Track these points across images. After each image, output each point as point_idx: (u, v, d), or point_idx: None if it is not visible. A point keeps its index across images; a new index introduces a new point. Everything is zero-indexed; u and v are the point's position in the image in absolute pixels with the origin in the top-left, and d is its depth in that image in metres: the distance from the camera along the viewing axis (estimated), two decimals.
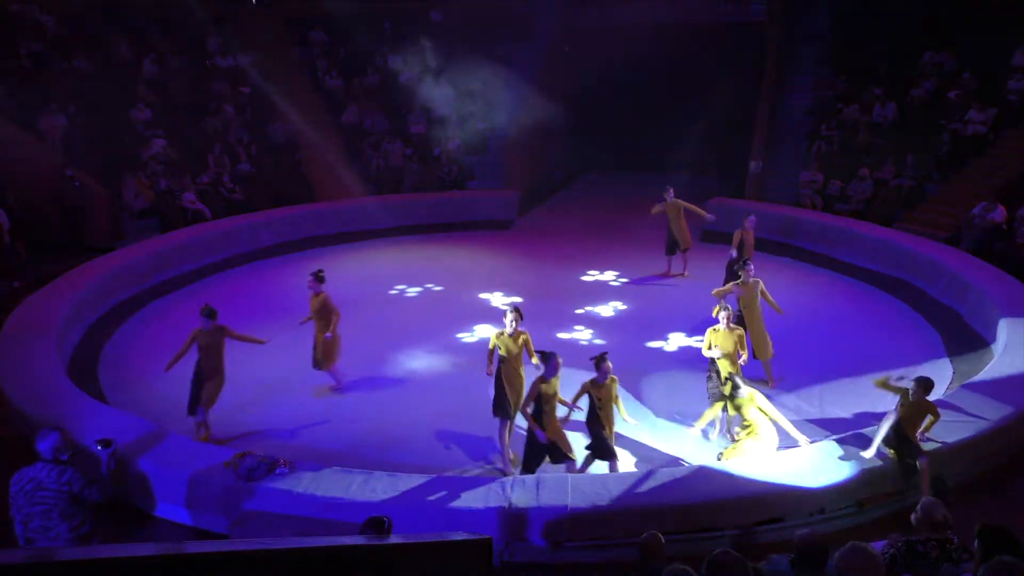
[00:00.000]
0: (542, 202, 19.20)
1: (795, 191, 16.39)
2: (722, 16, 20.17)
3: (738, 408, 7.13)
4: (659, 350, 10.49)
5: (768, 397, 7.58)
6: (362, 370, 9.79)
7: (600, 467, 7.26)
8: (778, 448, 7.09)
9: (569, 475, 6.76)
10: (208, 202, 15.30)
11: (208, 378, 7.95)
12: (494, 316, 11.50)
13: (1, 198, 12.97)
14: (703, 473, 6.69)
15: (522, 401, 7.22)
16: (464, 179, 18.34)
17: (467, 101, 19.11)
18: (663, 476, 6.66)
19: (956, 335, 10.71)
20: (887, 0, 18.28)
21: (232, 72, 18.48)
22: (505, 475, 7.36)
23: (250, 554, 3.03)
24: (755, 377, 8.93)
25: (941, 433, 7.01)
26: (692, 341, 10.47)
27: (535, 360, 7.44)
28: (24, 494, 4.94)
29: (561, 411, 7.27)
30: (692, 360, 9.59)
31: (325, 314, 8.86)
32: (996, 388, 7.99)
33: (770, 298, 9.24)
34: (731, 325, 7.93)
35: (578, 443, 7.32)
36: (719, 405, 7.71)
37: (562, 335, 10.93)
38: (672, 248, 13.26)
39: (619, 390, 7.17)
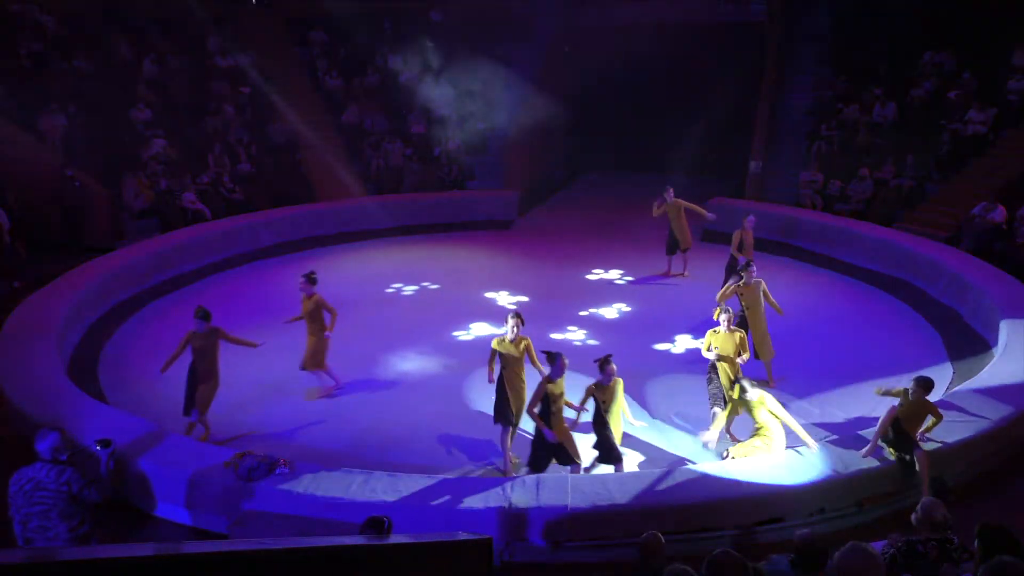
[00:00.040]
0: (542, 202, 19.20)
1: (795, 191, 16.39)
2: (722, 16, 20.16)
3: (749, 410, 7.10)
4: (659, 351, 10.48)
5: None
6: (362, 370, 9.80)
7: (604, 468, 7.26)
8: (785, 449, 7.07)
9: (569, 475, 6.76)
10: (208, 202, 15.30)
11: (202, 380, 7.93)
12: (494, 316, 11.51)
13: (1, 198, 12.97)
14: (703, 473, 6.69)
15: (526, 406, 7.19)
16: (464, 179, 18.34)
17: (467, 101, 19.12)
18: (664, 476, 6.66)
19: (956, 335, 10.71)
20: (887, 0, 18.29)
21: (232, 72, 18.48)
22: (505, 475, 7.36)
23: (250, 554, 3.03)
24: (756, 377, 8.89)
25: (941, 433, 7.02)
26: (693, 342, 10.46)
27: (538, 367, 7.42)
28: (23, 494, 4.94)
29: (569, 414, 7.26)
30: (693, 361, 9.59)
31: (318, 316, 8.82)
32: (996, 388, 7.99)
33: (771, 299, 9.24)
34: (731, 327, 7.92)
35: (584, 445, 7.31)
36: (724, 416, 7.70)
37: (558, 335, 10.93)
38: (672, 248, 13.27)
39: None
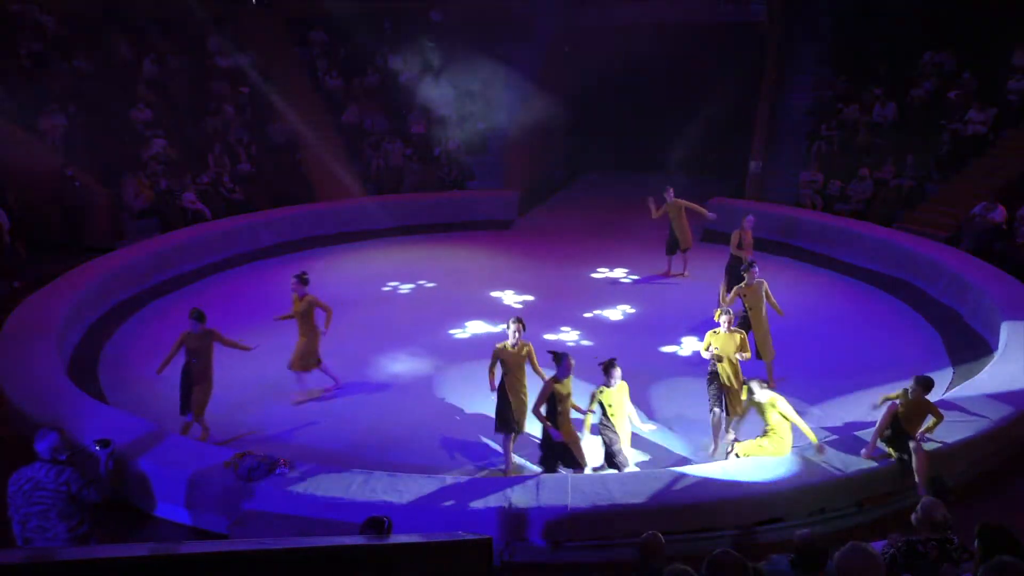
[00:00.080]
0: (542, 202, 19.20)
1: (795, 191, 16.38)
2: (722, 16, 20.16)
3: (760, 412, 7.05)
4: (660, 351, 10.47)
5: None
6: (362, 370, 9.81)
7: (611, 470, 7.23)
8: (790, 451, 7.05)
9: (569, 475, 6.75)
10: (208, 202, 15.30)
11: (197, 382, 7.90)
12: (493, 315, 11.51)
13: (1, 198, 12.97)
14: (703, 473, 6.69)
15: (531, 407, 7.13)
16: (464, 179, 18.33)
17: (467, 101, 19.12)
18: (664, 476, 6.67)
19: (956, 335, 10.71)
20: (887, 0, 18.28)
21: (232, 72, 18.47)
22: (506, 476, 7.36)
23: (250, 554, 3.03)
24: (756, 377, 8.92)
25: (941, 433, 7.00)
26: (693, 343, 10.46)
27: (540, 373, 7.39)
28: (22, 494, 4.94)
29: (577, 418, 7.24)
30: (694, 363, 9.57)
31: (310, 316, 8.78)
32: (996, 388, 7.99)
33: (772, 299, 9.25)
34: (732, 328, 7.90)
35: (592, 449, 7.30)
36: (723, 419, 7.71)
37: (554, 336, 10.91)
38: (672, 248, 13.26)
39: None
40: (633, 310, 11.97)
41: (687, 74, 19.70)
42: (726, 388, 7.75)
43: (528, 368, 7.54)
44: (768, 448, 6.92)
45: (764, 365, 9.16)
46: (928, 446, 6.86)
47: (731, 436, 7.69)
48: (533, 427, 7.47)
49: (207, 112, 17.40)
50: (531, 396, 7.39)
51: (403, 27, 20.59)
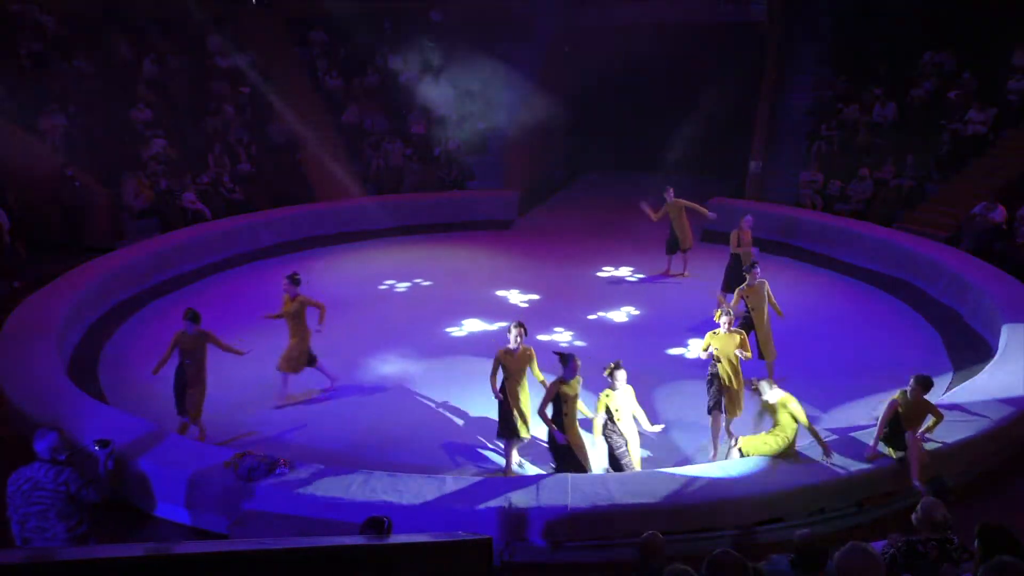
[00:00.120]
0: (542, 202, 19.20)
1: (795, 191, 16.38)
2: (722, 16, 20.15)
3: (770, 412, 6.99)
4: (660, 351, 10.46)
5: None
6: (362, 370, 9.81)
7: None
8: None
9: (569, 475, 6.75)
10: (208, 202, 15.29)
11: (190, 384, 7.85)
12: (492, 315, 11.51)
13: (1, 198, 12.97)
14: (703, 473, 6.69)
15: (537, 408, 7.09)
16: (464, 179, 18.34)
17: (467, 101, 19.11)
18: (663, 476, 6.67)
19: (956, 335, 10.71)
20: (887, 0, 18.28)
21: (232, 72, 18.47)
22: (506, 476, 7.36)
23: (250, 554, 3.03)
24: (757, 376, 8.93)
25: (941, 433, 7.01)
26: (693, 343, 10.45)
27: (540, 379, 7.38)
28: (21, 494, 4.93)
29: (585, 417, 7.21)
30: (695, 364, 9.57)
31: (302, 317, 8.73)
32: (996, 388, 8.00)
33: (773, 300, 9.25)
34: (731, 329, 7.87)
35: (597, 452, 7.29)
36: (721, 421, 7.71)
37: (550, 337, 10.91)
38: (673, 248, 13.26)
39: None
40: (634, 310, 11.96)
41: (687, 74, 19.68)
42: (726, 389, 7.74)
43: (528, 373, 7.48)
44: (772, 446, 6.88)
45: (765, 365, 9.17)
46: (928, 446, 6.87)
47: (731, 441, 7.68)
48: (539, 430, 7.45)
49: (207, 112, 17.40)
50: (533, 399, 7.38)
51: (403, 27, 20.58)
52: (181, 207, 14.95)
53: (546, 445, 7.20)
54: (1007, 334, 9.41)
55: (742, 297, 9.18)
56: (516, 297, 12.48)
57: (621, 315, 11.79)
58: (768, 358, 9.14)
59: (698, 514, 6.33)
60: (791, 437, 6.90)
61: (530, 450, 7.77)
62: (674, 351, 10.45)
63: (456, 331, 11.13)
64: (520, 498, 6.27)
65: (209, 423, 8.13)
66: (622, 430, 6.94)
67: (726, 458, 7.45)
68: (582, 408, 7.06)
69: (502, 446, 7.62)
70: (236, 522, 6.33)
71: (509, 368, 7.35)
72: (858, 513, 6.70)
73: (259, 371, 9.32)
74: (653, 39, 18.53)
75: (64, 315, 10.08)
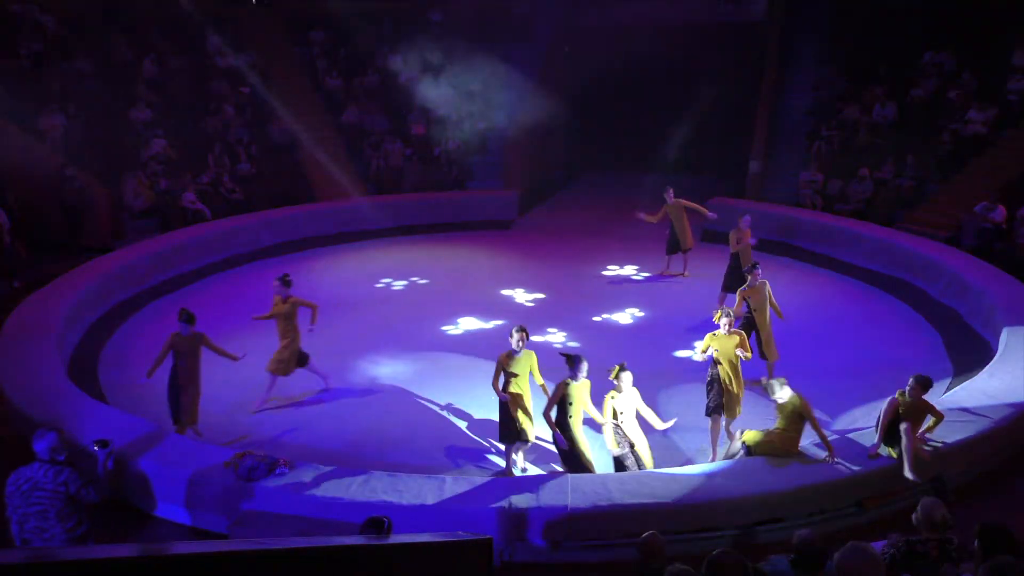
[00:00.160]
0: (542, 202, 19.19)
1: (795, 191, 16.38)
2: (722, 16, 20.16)
3: (782, 410, 6.92)
4: (660, 352, 10.45)
5: (768, 395, 7.52)
6: (362, 370, 9.80)
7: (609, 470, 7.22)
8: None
9: (569, 475, 6.75)
10: (208, 202, 15.30)
11: (184, 387, 7.78)
12: (492, 315, 11.51)
13: (1, 198, 12.97)
14: (703, 473, 6.69)
15: (543, 410, 7.07)
16: (464, 179, 18.34)
17: (467, 101, 19.11)
18: (663, 476, 6.66)
19: (956, 335, 10.71)
20: (887, 0, 18.28)
21: (232, 72, 18.47)
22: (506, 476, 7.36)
23: (250, 554, 3.03)
24: (757, 377, 8.94)
25: (941, 433, 7.01)
26: (693, 343, 10.44)
27: (540, 382, 7.37)
28: (21, 494, 4.93)
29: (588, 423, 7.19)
30: (693, 364, 9.57)
31: (294, 318, 8.68)
32: (996, 388, 8.00)
33: (774, 301, 9.25)
34: (731, 330, 7.85)
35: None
36: (721, 423, 7.68)
37: (548, 337, 10.91)
38: (673, 248, 13.25)
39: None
40: (638, 311, 11.94)
41: (687, 74, 19.69)
42: (726, 391, 7.73)
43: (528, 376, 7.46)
44: (776, 443, 6.87)
45: (766, 366, 9.16)
46: (928, 446, 6.86)
47: (738, 433, 7.67)
48: (541, 430, 7.44)
49: (207, 112, 17.40)
50: (535, 402, 7.38)
51: (403, 27, 20.58)
52: (181, 207, 14.95)
53: (550, 446, 7.20)
54: (1007, 333, 9.41)
55: (744, 299, 9.18)
56: (520, 297, 12.47)
57: (625, 317, 11.73)
58: (770, 359, 9.14)
59: (698, 514, 6.32)
60: (796, 436, 6.89)
61: (531, 451, 7.76)
62: (677, 353, 10.40)
63: (456, 331, 11.13)
64: (520, 498, 6.27)
65: (209, 423, 8.12)
66: (626, 432, 6.94)
67: (728, 454, 7.43)
68: (592, 411, 7.04)
69: (503, 448, 7.61)
70: (236, 522, 6.33)
71: (511, 372, 7.33)
72: (858, 513, 6.70)
73: (259, 372, 9.28)
74: (653, 39, 18.55)
75: (64, 315, 10.08)
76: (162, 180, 15.17)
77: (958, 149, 15.24)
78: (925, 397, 6.84)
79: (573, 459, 6.95)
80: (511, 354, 7.31)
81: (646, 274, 13.63)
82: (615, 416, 6.90)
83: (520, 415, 7.29)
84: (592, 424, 7.30)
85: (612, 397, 6.89)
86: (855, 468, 6.70)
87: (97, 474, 5.23)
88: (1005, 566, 3.47)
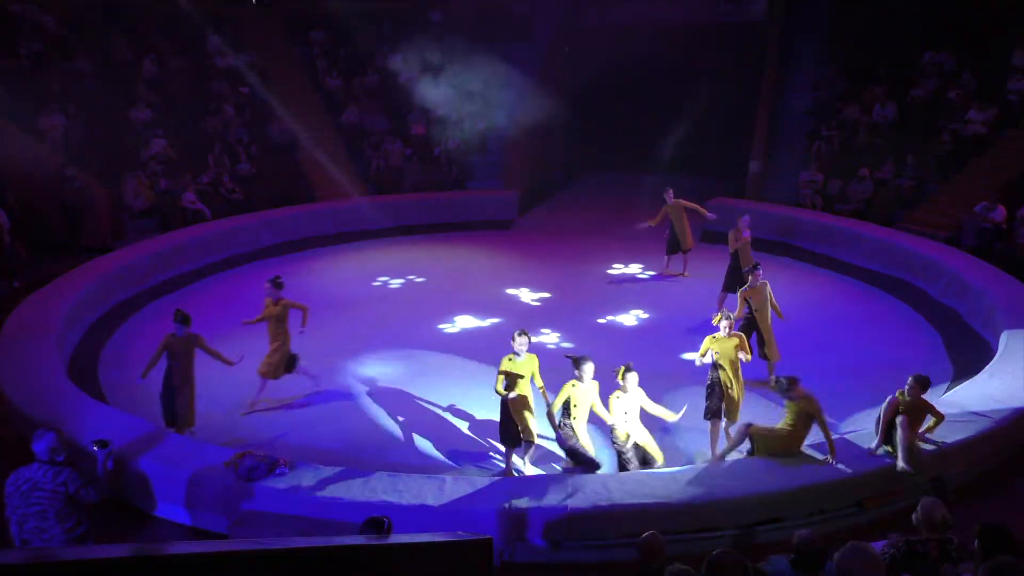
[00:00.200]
0: (542, 202, 19.19)
1: (795, 191, 16.38)
2: (722, 16, 20.14)
3: (791, 409, 6.91)
4: (660, 352, 10.44)
5: (768, 397, 7.54)
6: (362, 370, 9.80)
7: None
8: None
9: (569, 475, 6.75)
10: (208, 202, 15.29)
11: (178, 388, 7.75)
12: (492, 314, 11.51)
13: (1, 198, 12.96)
14: (703, 473, 6.69)
15: (546, 410, 7.07)
16: (464, 179, 18.33)
17: (467, 101, 19.10)
18: (663, 476, 6.66)
19: (956, 335, 10.71)
20: (887, 0, 18.28)
21: (232, 72, 18.47)
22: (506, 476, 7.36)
23: (250, 554, 3.03)
24: (757, 378, 8.94)
25: (941, 433, 7.01)
26: (693, 343, 10.42)
27: (540, 385, 7.36)
28: (20, 495, 4.93)
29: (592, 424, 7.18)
30: (694, 365, 9.53)
31: (285, 320, 8.63)
32: (996, 388, 8.00)
33: (774, 302, 9.24)
34: (731, 332, 7.83)
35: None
36: (720, 427, 7.66)
37: (549, 337, 10.91)
38: (673, 248, 13.24)
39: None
40: (637, 312, 11.94)
41: (687, 74, 19.68)
42: (726, 395, 7.72)
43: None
44: (780, 440, 6.85)
45: (766, 366, 9.16)
46: (928, 446, 6.86)
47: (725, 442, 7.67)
48: (544, 431, 7.44)
49: (207, 112, 17.39)
50: (537, 404, 7.38)
51: (403, 27, 20.57)
52: (181, 207, 14.95)
53: (550, 445, 7.20)
54: (1007, 333, 9.41)
55: (745, 300, 9.16)
56: (521, 297, 12.46)
57: (629, 318, 11.68)
58: (772, 359, 9.13)
59: (698, 514, 6.32)
60: (802, 436, 6.89)
61: (537, 453, 7.75)
62: (672, 352, 10.38)
63: (456, 331, 11.13)
64: (520, 498, 6.27)
65: (209, 423, 8.11)
66: (630, 431, 6.93)
67: (731, 448, 7.39)
68: (601, 412, 7.03)
69: (503, 449, 7.61)
70: (236, 522, 6.33)
71: (513, 375, 7.30)
72: (858, 513, 6.70)
73: (256, 372, 9.32)
74: (653, 39, 18.53)
75: (64, 315, 10.08)
76: (162, 180, 15.16)
77: (958, 149, 15.24)
78: (924, 397, 6.84)
79: (577, 459, 6.94)
80: (513, 357, 7.32)
81: (651, 272, 13.61)
82: (621, 416, 6.90)
83: (522, 417, 7.29)
84: (599, 423, 7.29)
85: (617, 397, 6.89)
86: (855, 468, 6.69)
87: (97, 474, 5.22)
88: (1005, 566, 3.47)
